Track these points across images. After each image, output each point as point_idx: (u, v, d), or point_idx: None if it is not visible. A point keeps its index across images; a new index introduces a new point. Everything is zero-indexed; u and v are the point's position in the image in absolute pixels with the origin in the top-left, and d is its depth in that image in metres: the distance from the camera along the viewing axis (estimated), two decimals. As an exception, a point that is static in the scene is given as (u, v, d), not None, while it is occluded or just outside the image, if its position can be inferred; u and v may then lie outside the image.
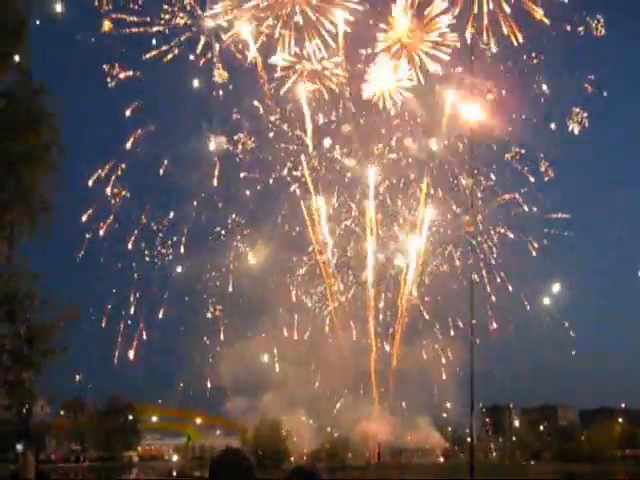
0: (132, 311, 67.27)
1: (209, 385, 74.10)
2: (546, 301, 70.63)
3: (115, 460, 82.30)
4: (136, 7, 58.57)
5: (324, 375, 73.52)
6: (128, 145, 62.82)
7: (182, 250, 67.58)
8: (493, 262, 71.76)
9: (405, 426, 75.62)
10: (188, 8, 59.55)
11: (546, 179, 66.47)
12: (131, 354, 67.09)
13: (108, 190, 63.27)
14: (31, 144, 16.61)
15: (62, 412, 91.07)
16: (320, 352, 72.91)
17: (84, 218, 62.80)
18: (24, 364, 18.13)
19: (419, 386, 74.27)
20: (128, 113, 61.52)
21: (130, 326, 67.37)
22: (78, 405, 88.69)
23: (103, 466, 75.61)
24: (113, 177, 63.84)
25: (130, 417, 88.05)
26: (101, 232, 63.47)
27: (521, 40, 61.90)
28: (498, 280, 71.42)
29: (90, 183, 62.47)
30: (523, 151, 67.00)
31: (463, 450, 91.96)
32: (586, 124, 63.82)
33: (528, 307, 71.37)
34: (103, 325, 66.35)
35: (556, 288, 70.08)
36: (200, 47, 61.19)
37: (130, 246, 65.27)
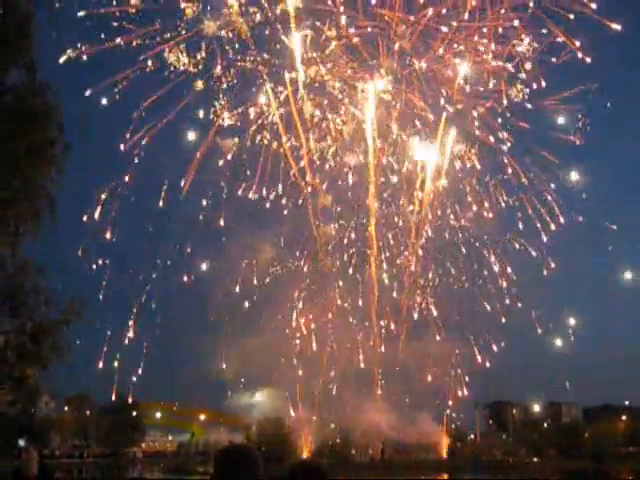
0: (136, 311, 67.57)
1: (213, 381, 74.42)
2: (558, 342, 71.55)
3: (119, 456, 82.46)
4: (137, 18, 58.26)
5: (328, 372, 73.73)
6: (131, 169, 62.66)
7: (186, 255, 67.96)
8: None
9: (407, 422, 75.62)
10: (190, 15, 59.05)
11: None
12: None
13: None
14: (35, 140, 16.60)
15: (66, 408, 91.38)
16: (324, 350, 73.08)
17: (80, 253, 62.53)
18: (28, 360, 18.14)
19: (421, 383, 74.39)
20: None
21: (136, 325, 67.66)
22: (82, 401, 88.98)
23: (107, 462, 75.68)
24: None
25: (134, 413, 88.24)
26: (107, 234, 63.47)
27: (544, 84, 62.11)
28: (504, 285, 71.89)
29: (91, 216, 62.37)
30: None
31: (466, 446, 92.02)
32: (587, 128, 63.49)
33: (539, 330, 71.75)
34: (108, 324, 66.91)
35: (571, 321, 70.66)
36: (202, 54, 61.03)
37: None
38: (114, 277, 64.60)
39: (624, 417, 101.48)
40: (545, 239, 68.25)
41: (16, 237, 17.58)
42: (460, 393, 75.85)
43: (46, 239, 18.27)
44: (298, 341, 73.07)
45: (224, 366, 70.48)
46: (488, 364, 73.71)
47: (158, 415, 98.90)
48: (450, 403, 78.38)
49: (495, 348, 72.92)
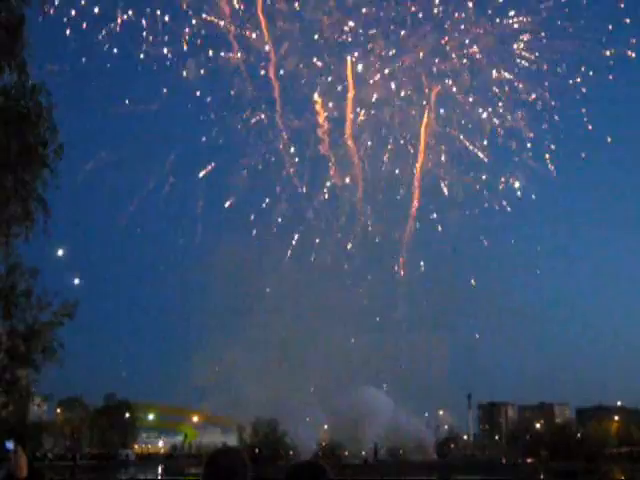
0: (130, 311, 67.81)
1: (205, 382, 74.45)
2: None
3: (111, 458, 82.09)
4: None
5: (318, 371, 73.96)
6: None
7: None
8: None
9: (400, 424, 75.76)
10: None
11: None
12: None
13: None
14: (28, 141, 16.53)
15: (59, 410, 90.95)
16: (314, 348, 73.33)
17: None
18: (21, 362, 18.05)
19: (414, 384, 74.73)
20: None
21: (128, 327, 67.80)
22: (75, 403, 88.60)
23: (99, 464, 75.36)
24: None
25: (127, 415, 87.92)
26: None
27: None
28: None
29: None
30: None
31: (459, 447, 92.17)
32: None
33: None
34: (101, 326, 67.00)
35: None
36: None
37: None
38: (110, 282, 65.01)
39: (617, 417, 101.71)
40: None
41: (8, 239, 17.49)
42: (452, 391, 76.27)
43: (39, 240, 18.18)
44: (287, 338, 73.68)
45: (212, 368, 70.76)
46: (484, 362, 74.43)
47: (151, 417, 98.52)
48: (442, 403, 78.77)
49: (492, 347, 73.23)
